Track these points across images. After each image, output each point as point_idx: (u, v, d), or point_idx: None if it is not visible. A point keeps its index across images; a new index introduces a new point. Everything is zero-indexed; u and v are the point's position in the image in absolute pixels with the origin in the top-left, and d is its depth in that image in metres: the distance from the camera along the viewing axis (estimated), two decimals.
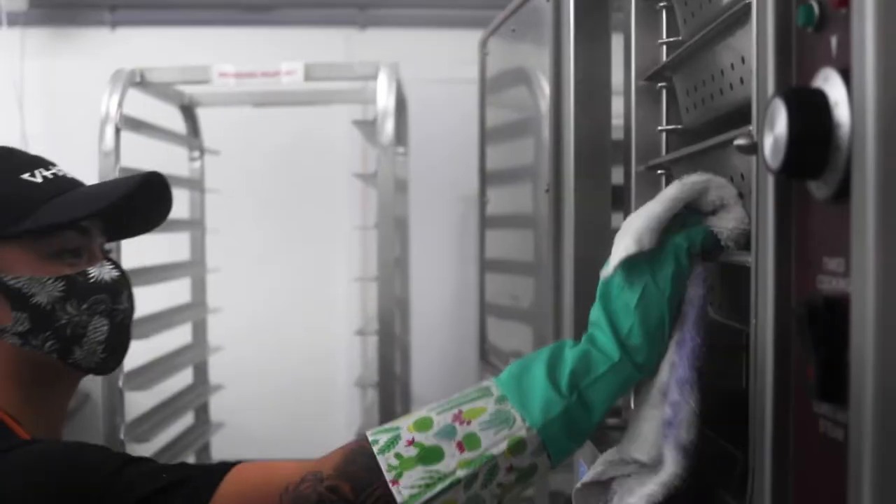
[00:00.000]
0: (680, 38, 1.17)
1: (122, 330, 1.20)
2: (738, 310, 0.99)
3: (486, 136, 2.11)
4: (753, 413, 0.77)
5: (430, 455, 0.98)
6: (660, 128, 1.21)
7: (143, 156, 2.54)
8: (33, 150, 1.27)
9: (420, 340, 3.25)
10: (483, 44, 2.05)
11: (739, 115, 0.96)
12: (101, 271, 1.18)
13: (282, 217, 3.47)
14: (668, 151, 1.19)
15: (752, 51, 0.77)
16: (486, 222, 2.09)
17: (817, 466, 0.68)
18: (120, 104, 2.47)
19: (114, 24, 3.49)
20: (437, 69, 3.26)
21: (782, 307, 0.73)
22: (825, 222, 0.68)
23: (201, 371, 3.13)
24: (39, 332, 1.14)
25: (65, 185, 1.19)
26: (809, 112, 0.64)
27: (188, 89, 3.00)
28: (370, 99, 2.53)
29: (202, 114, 3.13)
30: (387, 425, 1.03)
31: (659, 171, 1.22)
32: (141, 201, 1.23)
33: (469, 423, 1.00)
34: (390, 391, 2.59)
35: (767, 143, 0.68)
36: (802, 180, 0.69)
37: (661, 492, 0.96)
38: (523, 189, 1.66)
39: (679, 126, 1.20)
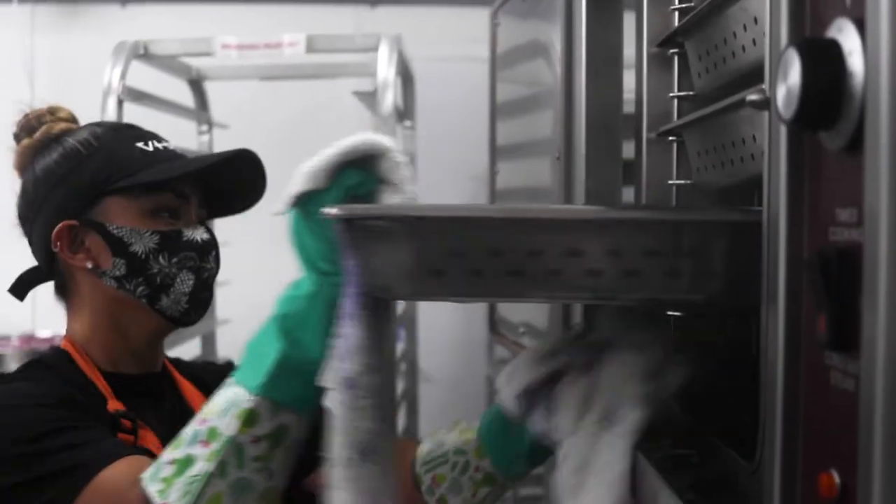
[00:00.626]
0: (692, 3, 1.17)
1: (206, 287, 1.33)
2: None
3: (497, 110, 2.11)
4: (764, 368, 0.78)
5: (184, 465, 1.03)
6: (671, 94, 1.21)
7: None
8: None
9: (427, 318, 3.26)
10: (494, 15, 2.04)
11: (751, 78, 0.96)
12: (194, 233, 1.32)
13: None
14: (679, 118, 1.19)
15: (766, 4, 0.77)
16: (496, 194, 2.09)
17: (828, 417, 0.69)
18: (123, 76, 2.48)
19: (124, 1, 3.49)
20: (446, 47, 3.25)
21: (794, 260, 0.73)
22: (837, 173, 0.67)
23: (209, 342, 3.15)
24: (133, 277, 1.28)
25: (173, 156, 1.33)
26: (823, 61, 0.64)
27: (195, 63, 3.00)
28: (375, 72, 2.53)
29: (210, 89, 3.13)
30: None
31: (670, 138, 1.22)
32: (236, 179, 1.36)
33: (209, 420, 1.04)
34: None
35: (780, 94, 0.68)
36: (815, 131, 0.68)
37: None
38: (540, 162, 1.65)
39: (691, 92, 1.20)
